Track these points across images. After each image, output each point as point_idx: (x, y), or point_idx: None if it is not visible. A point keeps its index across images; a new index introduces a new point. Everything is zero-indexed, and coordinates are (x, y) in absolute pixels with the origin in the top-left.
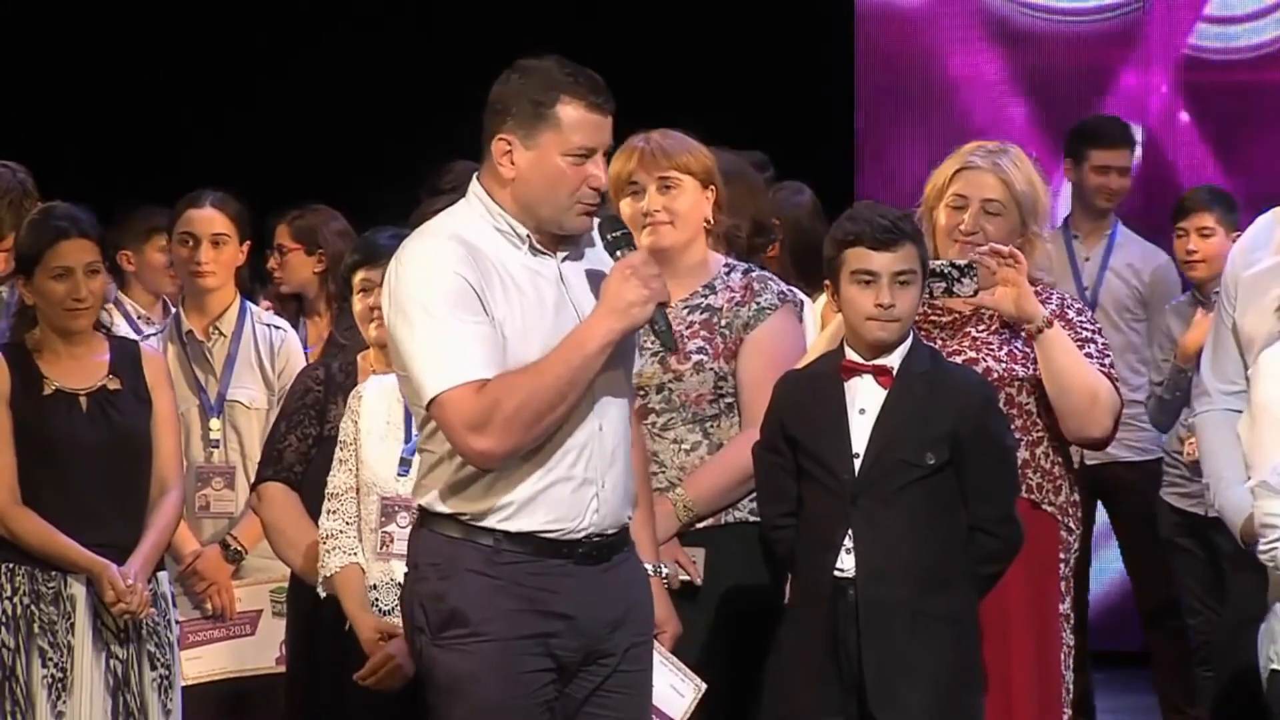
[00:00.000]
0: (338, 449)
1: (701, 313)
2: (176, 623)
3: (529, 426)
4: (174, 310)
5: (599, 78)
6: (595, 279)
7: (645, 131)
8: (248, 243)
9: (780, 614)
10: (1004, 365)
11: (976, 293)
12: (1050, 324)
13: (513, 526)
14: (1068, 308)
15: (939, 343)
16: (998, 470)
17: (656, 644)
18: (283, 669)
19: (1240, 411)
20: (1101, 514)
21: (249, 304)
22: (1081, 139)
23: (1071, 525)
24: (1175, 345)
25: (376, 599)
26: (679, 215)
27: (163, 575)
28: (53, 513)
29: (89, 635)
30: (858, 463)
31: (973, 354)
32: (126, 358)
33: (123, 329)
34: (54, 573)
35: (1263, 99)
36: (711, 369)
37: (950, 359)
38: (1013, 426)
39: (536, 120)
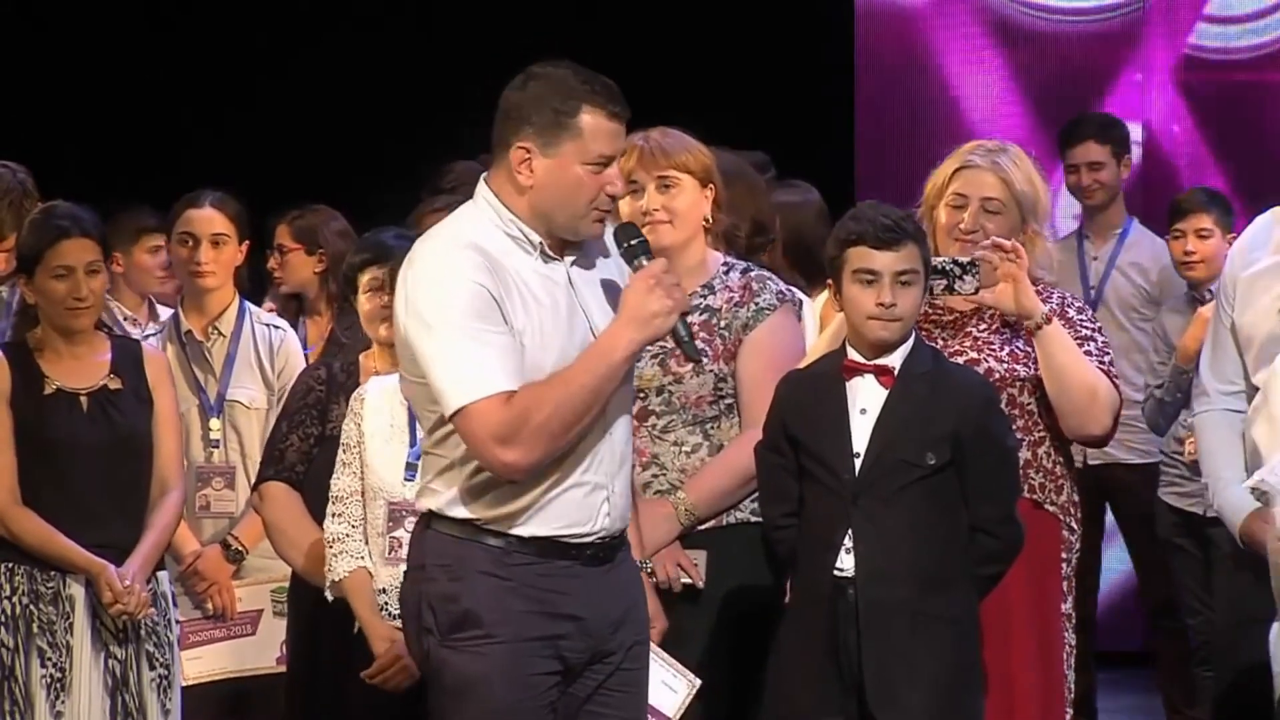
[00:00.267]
0: (340, 451)
1: (701, 313)
2: (177, 622)
3: (556, 438)
4: (172, 311)
5: (614, 85)
6: (606, 285)
7: (645, 130)
8: (247, 243)
9: (782, 614)
10: (1006, 365)
11: (978, 290)
12: (1050, 320)
13: (525, 532)
14: (1068, 306)
15: (940, 343)
16: (999, 471)
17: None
18: (283, 669)
19: (1240, 412)
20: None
21: (248, 304)
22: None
23: (1073, 525)
24: (1172, 346)
25: (385, 603)
26: (678, 214)
27: (163, 575)
28: (53, 512)
29: (88, 635)
30: (858, 462)
31: (974, 354)
32: (128, 357)
33: None
34: (53, 573)
35: (1263, 99)
36: (711, 370)
37: (952, 359)
38: (1014, 426)
39: (558, 129)
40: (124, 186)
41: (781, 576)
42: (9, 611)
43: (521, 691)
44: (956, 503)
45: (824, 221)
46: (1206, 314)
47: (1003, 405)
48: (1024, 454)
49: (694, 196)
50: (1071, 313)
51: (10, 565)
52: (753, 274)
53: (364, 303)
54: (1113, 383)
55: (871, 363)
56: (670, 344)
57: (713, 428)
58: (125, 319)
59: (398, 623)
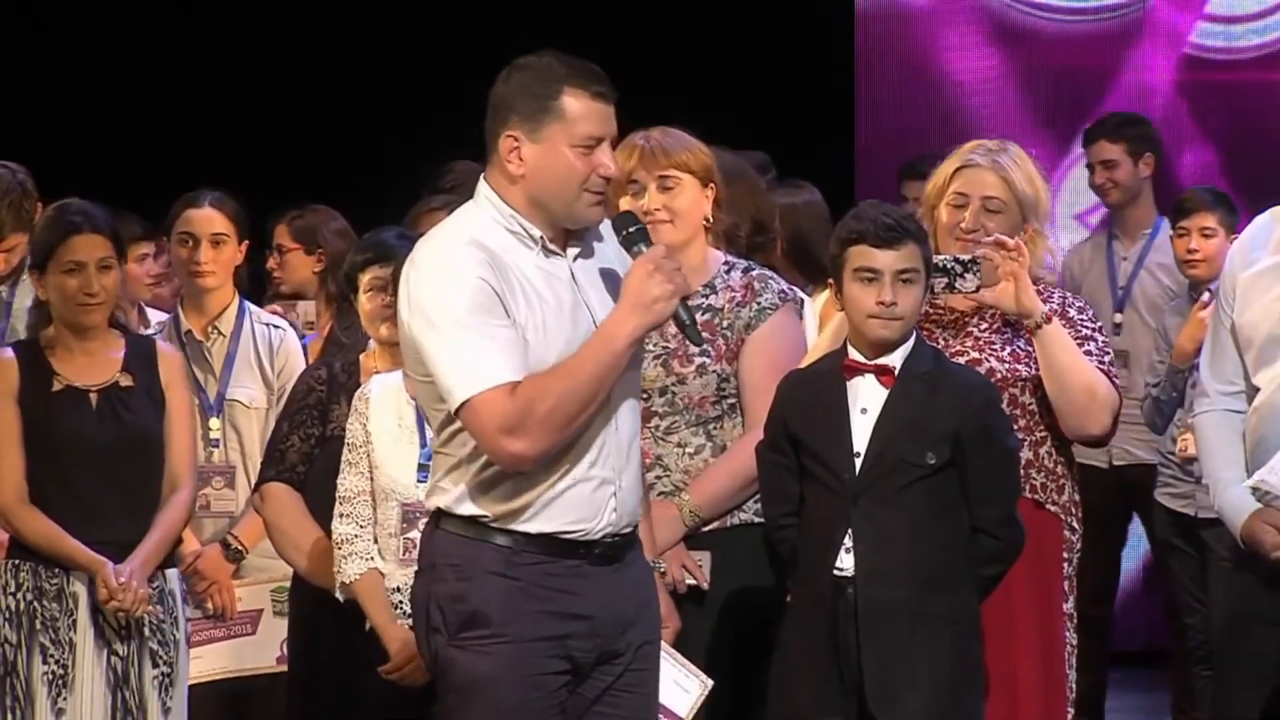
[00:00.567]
0: (346, 451)
1: (703, 313)
2: (187, 620)
3: (562, 427)
4: (164, 317)
5: (598, 68)
6: (607, 277)
7: (645, 130)
8: (246, 242)
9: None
10: (1007, 365)
11: (979, 288)
12: (1049, 319)
13: (533, 528)
14: (1069, 306)
15: (942, 343)
16: (999, 471)
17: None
18: (283, 668)
19: (1240, 412)
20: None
21: (248, 303)
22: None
23: (1074, 525)
24: (1172, 345)
25: (399, 602)
26: (679, 213)
27: (171, 573)
28: (59, 510)
29: (90, 632)
30: (858, 462)
31: (976, 354)
32: (141, 355)
33: None
34: (57, 570)
35: (1264, 99)
36: (714, 371)
37: (953, 359)
38: (1016, 426)
39: (541, 114)
40: (124, 186)
41: (785, 577)
42: (13, 608)
43: (529, 691)
44: (957, 503)
45: (825, 221)
46: (1201, 314)
47: (1004, 405)
48: (1025, 454)
49: (695, 196)
50: (1072, 313)
51: (16, 562)
52: (754, 273)
53: (365, 303)
54: (1112, 383)
55: (872, 362)
56: (673, 344)
57: (716, 428)
58: None
59: (410, 622)
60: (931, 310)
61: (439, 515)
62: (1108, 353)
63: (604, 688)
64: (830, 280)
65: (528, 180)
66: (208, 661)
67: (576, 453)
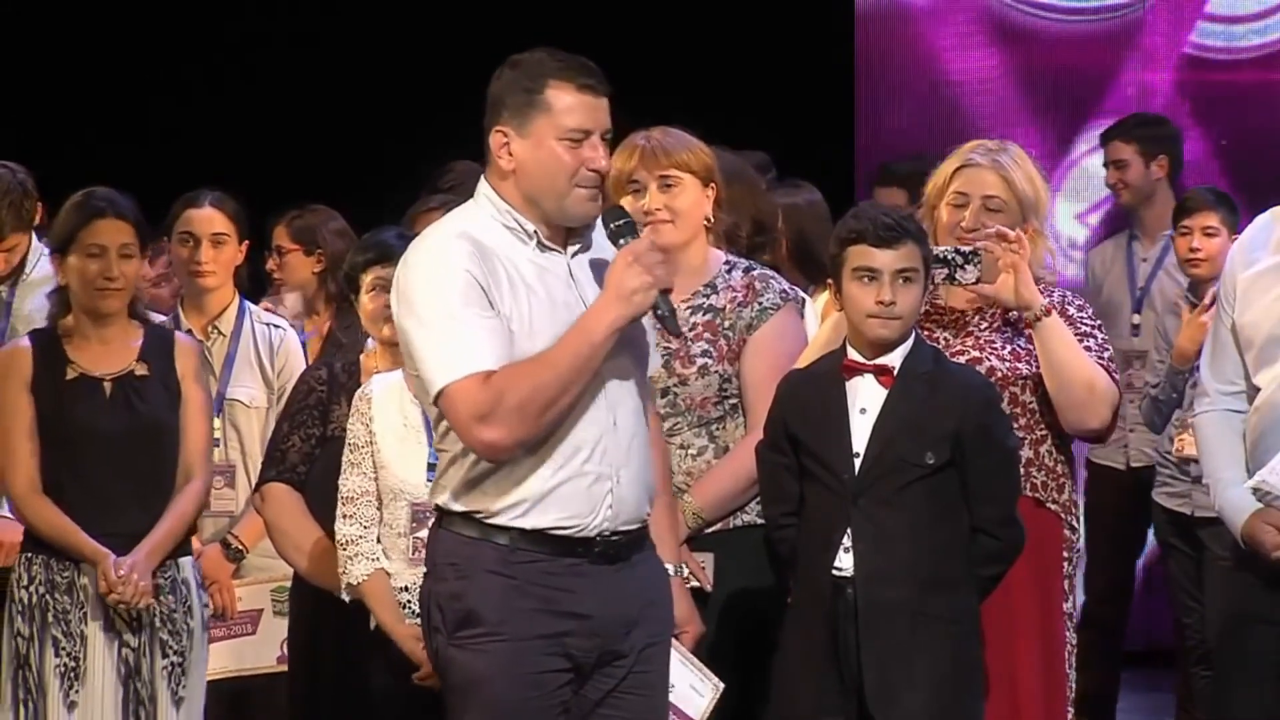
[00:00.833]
0: (348, 451)
1: (704, 314)
2: (205, 607)
3: (536, 416)
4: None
5: (591, 63)
6: (604, 273)
7: (645, 130)
8: (246, 242)
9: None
10: (1008, 364)
11: (979, 280)
12: (1049, 313)
13: (527, 523)
14: (1068, 304)
15: (942, 342)
16: (999, 471)
17: (677, 644)
18: (283, 668)
19: (1240, 412)
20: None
21: (248, 303)
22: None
23: (1074, 524)
24: (1172, 345)
25: (408, 601)
26: (679, 213)
27: (185, 561)
28: (71, 500)
29: (101, 624)
30: (858, 462)
31: (976, 353)
32: (159, 345)
33: None
34: (68, 563)
35: (1264, 99)
36: (716, 372)
37: (954, 358)
38: (1016, 425)
39: (528, 107)
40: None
41: (784, 577)
42: (26, 601)
43: (526, 689)
44: (957, 503)
45: (826, 221)
46: (1200, 317)
47: (1005, 404)
48: (1026, 452)
49: (695, 195)
50: (1071, 310)
51: (29, 555)
52: (755, 273)
53: (367, 303)
54: (1112, 378)
55: (871, 362)
56: (675, 344)
57: (718, 429)
58: None
59: (418, 621)
60: (932, 309)
61: (442, 514)
62: (1107, 349)
63: (608, 690)
64: (830, 280)
65: (518, 175)
66: (208, 661)
67: (569, 448)
